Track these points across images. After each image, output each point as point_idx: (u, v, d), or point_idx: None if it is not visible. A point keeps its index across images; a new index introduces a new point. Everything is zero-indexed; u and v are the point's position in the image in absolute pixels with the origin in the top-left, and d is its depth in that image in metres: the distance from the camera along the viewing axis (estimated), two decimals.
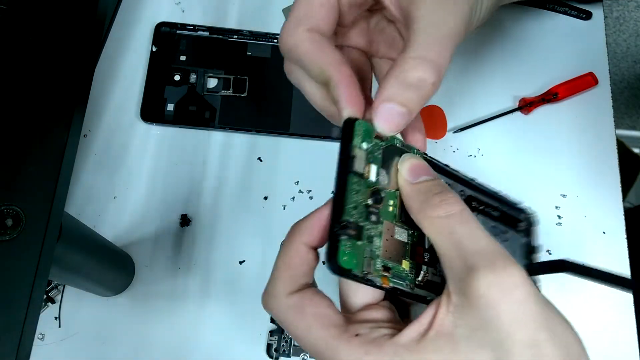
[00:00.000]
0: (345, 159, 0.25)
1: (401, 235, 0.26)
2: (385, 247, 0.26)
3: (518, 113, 0.54)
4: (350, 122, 0.26)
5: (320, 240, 0.26)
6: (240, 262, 0.49)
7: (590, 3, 0.57)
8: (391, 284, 0.26)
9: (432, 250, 0.27)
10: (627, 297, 0.49)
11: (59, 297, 0.47)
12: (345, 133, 0.25)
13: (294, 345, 0.47)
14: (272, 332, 0.47)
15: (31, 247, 0.27)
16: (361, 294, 0.27)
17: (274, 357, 0.46)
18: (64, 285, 0.47)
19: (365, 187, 0.25)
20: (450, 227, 0.24)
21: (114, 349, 0.46)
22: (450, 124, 0.53)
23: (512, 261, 0.22)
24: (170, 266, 0.48)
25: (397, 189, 0.27)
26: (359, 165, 0.25)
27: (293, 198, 0.51)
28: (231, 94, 0.53)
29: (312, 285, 0.27)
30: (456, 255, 0.23)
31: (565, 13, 0.57)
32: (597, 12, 0.57)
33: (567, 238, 0.50)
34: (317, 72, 0.27)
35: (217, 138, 0.52)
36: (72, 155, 0.30)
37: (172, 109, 0.52)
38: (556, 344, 0.21)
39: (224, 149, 0.52)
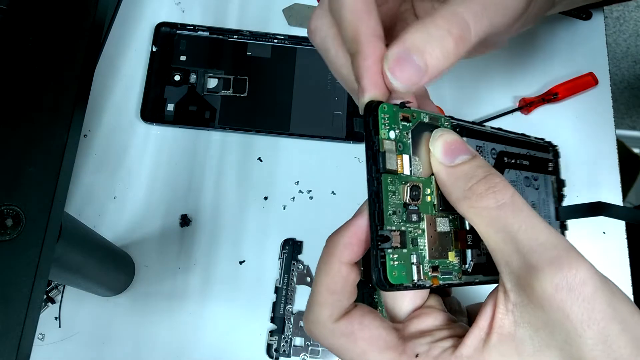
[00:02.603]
0: (374, 157, 0.22)
1: (443, 225, 0.24)
2: (430, 245, 0.23)
3: (518, 113, 0.54)
4: (372, 109, 0.22)
5: (360, 254, 0.23)
6: (240, 262, 0.49)
7: (592, 8, 0.57)
8: (441, 282, 0.23)
9: (473, 230, 0.24)
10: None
11: (59, 297, 0.47)
12: (368, 124, 0.22)
13: (294, 345, 0.47)
14: (272, 332, 0.47)
15: (31, 247, 0.27)
16: (407, 300, 0.25)
17: (274, 357, 0.46)
18: (64, 285, 0.47)
19: (401, 184, 0.22)
20: (503, 220, 0.21)
21: (114, 349, 0.46)
22: None
23: (576, 254, 0.20)
24: (170, 266, 0.48)
25: (432, 174, 0.23)
26: (390, 160, 0.22)
27: (293, 198, 0.51)
28: (231, 94, 0.53)
29: (356, 303, 0.24)
30: (513, 251, 0.21)
31: (565, 13, 0.57)
32: (597, 12, 0.57)
33: (567, 238, 0.50)
34: (351, 35, 0.24)
35: (217, 138, 0.52)
36: (72, 155, 0.30)
37: (172, 109, 0.52)
38: (628, 335, 0.20)
39: (224, 149, 0.52)
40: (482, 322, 0.22)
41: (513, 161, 0.28)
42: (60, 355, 0.46)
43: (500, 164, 0.27)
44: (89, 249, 0.40)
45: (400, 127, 0.23)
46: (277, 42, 0.54)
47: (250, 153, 0.52)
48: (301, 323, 0.47)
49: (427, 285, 0.23)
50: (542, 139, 0.31)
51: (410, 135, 0.23)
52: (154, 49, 0.53)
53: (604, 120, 0.54)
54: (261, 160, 0.52)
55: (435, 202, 0.24)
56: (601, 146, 0.53)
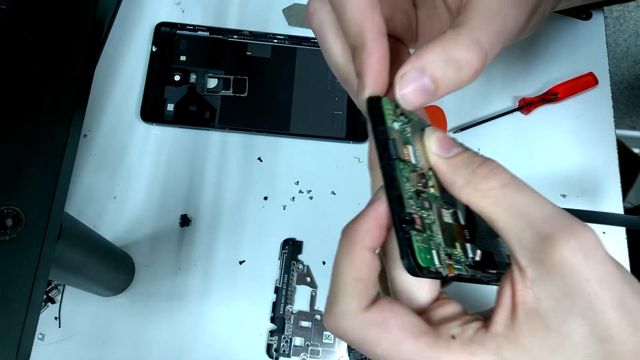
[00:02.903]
0: (385, 145, 0.22)
1: (448, 216, 0.24)
2: (443, 234, 0.23)
3: (518, 113, 0.54)
4: (376, 102, 0.23)
5: (381, 240, 0.23)
6: (240, 262, 0.49)
7: (592, 8, 0.57)
8: (456, 272, 0.23)
9: (469, 226, 0.25)
10: None
11: (59, 297, 0.47)
12: (375, 115, 0.23)
13: (294, 345, 0.47)
14: (272, 332, 0.47)
15: (31, 247, 0.27)
16: (426, 291, 0.24)
17: (274, 357, 0.46)
18: (64, 285, 0.47)
19: (410, 172, 0.23)
20: (510, 197, 0.21)
21: (114, 349, 0.46)
22: (450, 124, 0.53)
23: (583, 223, 0.21)
24: (170, 266, 0.48)
25: (430, 168, 0.24)
26: (400, 149, 0.22)
27: (293, 198, 0.51)
28: (231, 94, 0.53)
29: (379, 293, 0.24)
30: (524, 226, 0.21)
31: (565, 13, 0.57)
32: (597, 12, 0.57)
33: None
34: (354, 30, 0.24)
35: (217, 138, 0.52)
36: (72, 155, 0.30)
37: (172, 109, 0.52)
38: (638, 296, 0.21)
39: (224, 149, 0.52)
40: (505, 300, 0.22)
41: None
42: (60, 355, 0.46)
43: None
44: (89, 249, 0.40)
45: (401, 121, 0.23)
46: (277, 42, 0.54)
47: (250, 153, 0.52)
48: (301, 323, 0.47)
49: (445, 274, 0.23)
50: None
51: (410, 129, 0.24)
52: (154, 49, 0.53)
53: (604, 120, 0.54)
54: (261, 160, 0.52)
55: (437, 195, 0.24)
56: (601, 146, 0.53)
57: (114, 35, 0.54)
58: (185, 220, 0.50)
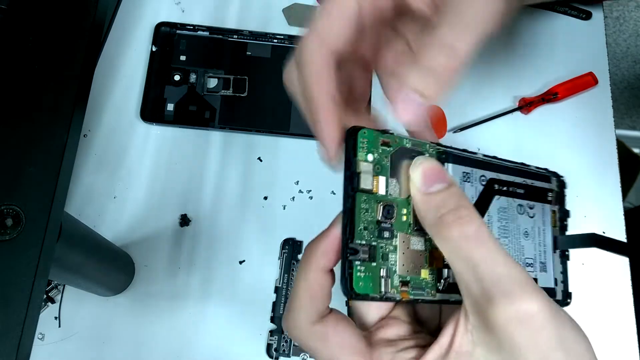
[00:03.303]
0: (351, 177, 0.24)
1: (417, 244, 0.25)
2: (402, 261, 0.25)
3: (518, 113, 0.54)
4: (352, 133, 0.24)
5: (335, 261, 0.26)
6: (240, 262, 0.49)
7: (591, 5, 0.57)
8: (411, 297, 0.25)
9: None
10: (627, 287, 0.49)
11: (59, 297, 0.47)
12: (348, 146, 0.24)
13: (294, 345, 0.47)
14: (272, 332, 0.47)
15: (31, 247, 0.27)
16: (373, 310, 0.27)
17: (274, 357, 0.46)
18: (64, 285, 0.47)
19: (375, 203, 0.24)
20: (466, 250, 0.23)
21: (114, 349, 0.46)
22: (450, 124, 0.53)
23: (531, 288, 0.22)
24: (170, 266, 0.48)
25: (409, 196, 0.25)
26: (365, 181, 0.24)
27: (293, 198, 0.51)
28: (231, 94, 0.53)
29: (331, 309, 0.26)
30: (472, 279, 0.23)
31: (565, 13, 0.57)
32: (597, 12, 0.57)
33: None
34: (307, 98, 0.27)
35: (217, 138, 0.52)
36: (72, 155, 0.30)
37: (172, 109, 0.52)
38: None
39: (224, 149, 0.52)
40: (444, 339, 0.24)
41: (505, 188, 0.29)
42: (60, 355, 0.46)
43: (490, 191, 0.28)
44: (89, 249, 0.40)
45: (380, 151, 0.25)
46: (277, 42, 0.54)
47: (250, 153, 0.52)
48: None
49: (397, 298, 0.24)
50: (546, 169, 0.32)
51: (389, 159, 0.25)
52: (154, 49, 0.53)
53: (604, 120, 0.54)
54: (261, 160, 0.52)
55: (411, 222, 0.25)
56: (601, 146, 0.53)
57: (114, 35, 0.54)
58: (185, 220, 0.50)
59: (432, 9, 0.28)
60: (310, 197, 0.51)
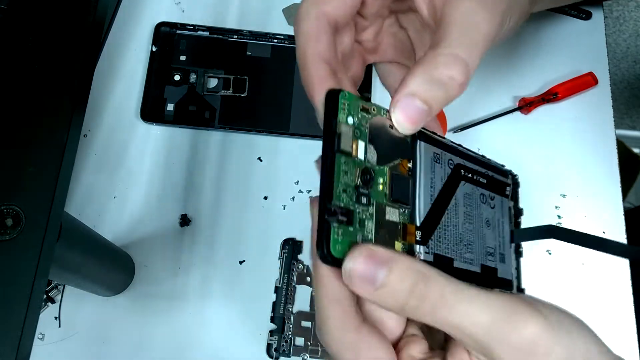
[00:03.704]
0: (331, 137, 0.23)
1: (393, 215, 0.25)
2: (378, 230, 0.24)
3: (518, 113, 0.54)
4: (333, 95, 0.23)
5: None
6: (240, 262, 0.49)
7: (591, 5, 0.57)
8: None
9: (425, 227, 0.26)
10: (625, 267, 0.49)
11: (59, 297, 0.47)
12: (329, 107, 0.23)
13: (293, 345, 0.47)
14: (272, 332, 0.47)
15: (31, 247, 0.27)
16: (396, 324, 0.26)
17: (274, 357, 0.46)
18: (64, 285, 0.47)
19: (354, 167, 0.24)
20: (442, 319, 0.22)
21: (114, 349, 0.46)
22: (450, 124, 0.53)
23: (519, 316, 0.22)
24: (170, 266, 0.48)
25: (386, 167, 0.25)
26: (346, 143, 0.23)
27: (293, 198, 0.51)
28: (231, 94, 0.53)
29: (364, 318, 0.26)
30: (463, 338, 0.22)
31: (565, 13, 0.57)
32: (597, 12, 0.57)
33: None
34: (300, 56, 0.27)
35: (217, 138, 0.52)
36: (72, 155, 0.30)
37: (172, 109, 0.52)
38: None
39: (224, 149, 0.52)
40: None
41: (470, 175, 0.29)
42: (60, 355, 0.46)
43: (457, 176, 0.28)
44: (88, 249, 0.40)
45: (360, 116, 0.24)
46: (277, 42, 0.54)
47: (250, 153, 0.52)
48: (301, 323, 0.47)
49: None
50: (502, 165, 0.32)
51: (368, 125, 0.25)
52: (154, 49, 0.53)
53: (604, 120, 0.54)
54: (261, 160, 0.52)
55: (387, 193, 0.25)
56: (601, 146, 0.53)
57: (114, 35, 0.54)
58: (185, 220, 0.50)
59: (430, 9, 0.28)
60: (311, 197, 0.51)
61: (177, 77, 0.53)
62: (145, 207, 0.50)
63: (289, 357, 0.46)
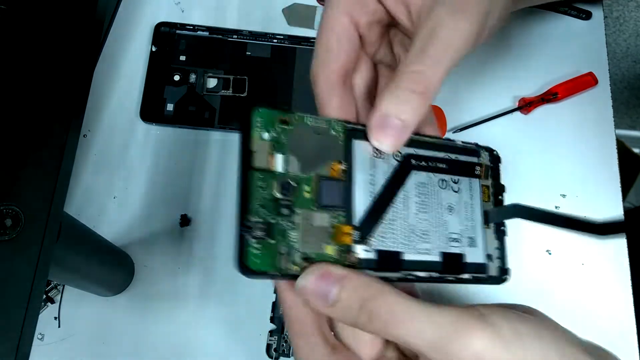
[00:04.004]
0: (245, 155, 0.24)
1: (321, 220, 0.25)
2: (304, 238, 0.25)
3: (518, 113, 0.54)
4: (247, 112, 0.25)
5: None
6: None
7: (590, 3, 0.57)
8: None
9: (364, 225, 0.26)
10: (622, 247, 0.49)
11: (58, 297, 0.47)
12: (243, 125, 0.24)
13: None
14: (271, 332, 0.47)
15: (30, 247, 0.27)
16: (368, 348, 0.27)
17: (274, 357, 0.46)
18: (64, 285, 0.47)
19: (272, 180, 0.24)
20: (391, 333, 0.23)
21: (114, 349, 0.46)
22: (450, 124, 0.53)
23: (465, 329, 0.22)
24: (170, 266, 0.48)
25: (312, 174, 0.25)
26: (260, 159, 0.24)
27: None
28: (231, 94, 0.53)
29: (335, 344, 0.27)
30: (415, 349, 0.23)
31: (565, 13, 0.57)
32: (597, 12, 0.57)
33: (567, 238, 0.50)
34: (313, 85, 0.29)
35: (216, 138, 0.52)
36: (72, 155, 0.30)
37: (171, 109, 0.52)
38: None
39: (224, 149, 0.52)
40: None
41: (423, 163, 0.29)
42: (59, 355, 0.46)
43: (405, 167, 0.28)
44: (88, 249, 0.40)
45: (277, 129, 0.25)
46: (277, 42, 0.54)
47: None
48: None
49: (299, 274, 0.24)
50: (475, 144, 0.31)
51: (287, 137, 0.25)
52: (154, 49, 0.53)
53: (604, 120, 0.54)
54: None
55: (314, 199, 0.25)
56: (601, 146, 0.53)
57: (114, 35, 0.54)
58: (185, 220, 0.50)
59: (410, 20, 0.29)
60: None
61: (176, 77, 0.53)
62: (145, 207, 0.50)
63: (289, 357, 0.46)
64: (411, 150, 0.28)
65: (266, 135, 0.25)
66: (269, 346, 0.47)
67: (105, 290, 0.46)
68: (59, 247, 0.32)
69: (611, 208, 0.51)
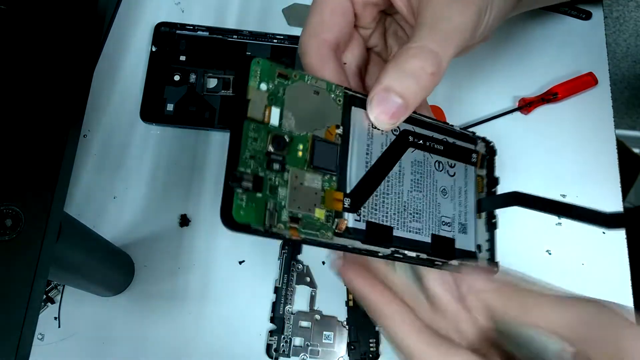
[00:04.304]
0: (240, 104, 0.23)
1: (313, 182, 0.24)
2: (293, 197, 0.24)
3: (518, 113, 0.54)
4: (246, 61, 0.24)
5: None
6: (240, 262, 0.49)
7: (591, 3, 0.57)
8: (302, 236, 0.24)
9: (356, 194, 0.25)
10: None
11: (58, 297, 0.47)
12: (241, 72, 0.24)
13: (293, 345, 0.47)
14: (272, 332, 0.47)
15: (30, 247, 0.27)
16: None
17: (274, 357, 0.46)
18: (64, 285, 0.47)
19: (265, 133, 0.24)
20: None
21: (114, 349, 0.46)
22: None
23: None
24: (170, 266, 0.48)
25: (308, 133, 0.25)
26: (256, 109, 0.23)
27: None
28: (231, 94, 0.53)
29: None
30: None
31: (565, 13, 0.57)
32: (597, 12, 0.57)
33: (567, 238, 0.50)
34: (301, 50, 0.29)
35: (216, 138, 0.52)
36: (72, 155, 0.30)
37: (171, 109, 0.52)
38: None
39: (224, 149, 0.52)
40: None
41: (421, 142, 0.28)
42: (59, 355, 0.46)
43: (402, 142, 0.27)
44: (88, 249, 0.40)
45: (276, 82, 0.24)
46: (277, 42, 0.54)
47: None
48: (301, 323, 0.47)
49: (286, 236, 0.23)
50: (473, 132, 0.31)
51: (284, 92, 0.24)
52: (154, 49, 0.53)
53: (604, 120, 0.54)
54: None
55: (307, 159, 0.25)
56: (601, 146, 0.53)
57: (114, 35, 0.54)
58: (185, 220, 0.50)
59: (408, 8, 0.29)
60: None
61: (177, 77, 0.53)
62: (145, 207, 0.50)
63: (289, 357, 0.46)
64: (410, 127, 0.28)
65: (264, 86, 0.24)
66: (269, 346, 0.47)
67: (105, 290, 0.46)
68: (59, 247, 0.32)
69: (611, 208, 0.51)
